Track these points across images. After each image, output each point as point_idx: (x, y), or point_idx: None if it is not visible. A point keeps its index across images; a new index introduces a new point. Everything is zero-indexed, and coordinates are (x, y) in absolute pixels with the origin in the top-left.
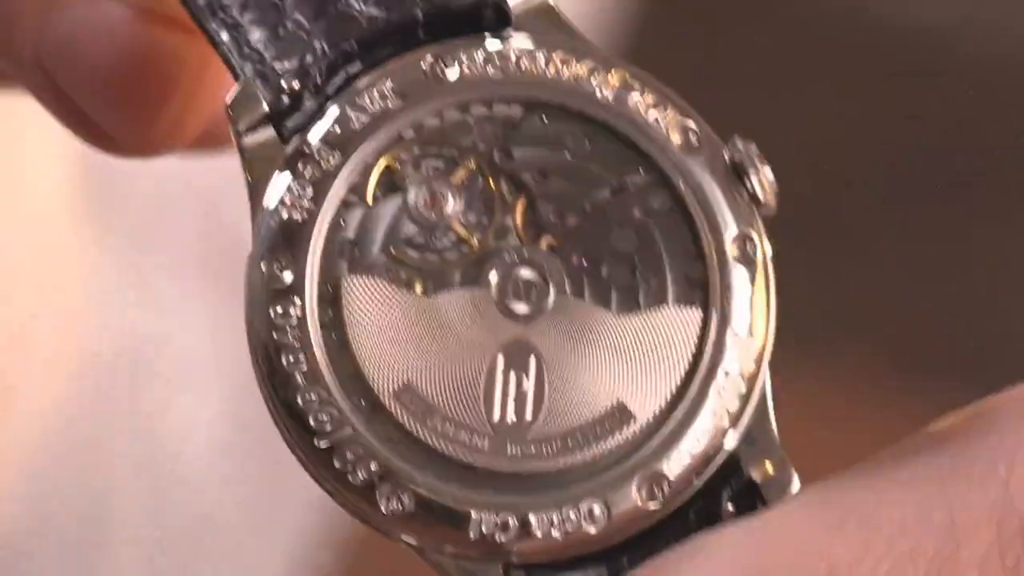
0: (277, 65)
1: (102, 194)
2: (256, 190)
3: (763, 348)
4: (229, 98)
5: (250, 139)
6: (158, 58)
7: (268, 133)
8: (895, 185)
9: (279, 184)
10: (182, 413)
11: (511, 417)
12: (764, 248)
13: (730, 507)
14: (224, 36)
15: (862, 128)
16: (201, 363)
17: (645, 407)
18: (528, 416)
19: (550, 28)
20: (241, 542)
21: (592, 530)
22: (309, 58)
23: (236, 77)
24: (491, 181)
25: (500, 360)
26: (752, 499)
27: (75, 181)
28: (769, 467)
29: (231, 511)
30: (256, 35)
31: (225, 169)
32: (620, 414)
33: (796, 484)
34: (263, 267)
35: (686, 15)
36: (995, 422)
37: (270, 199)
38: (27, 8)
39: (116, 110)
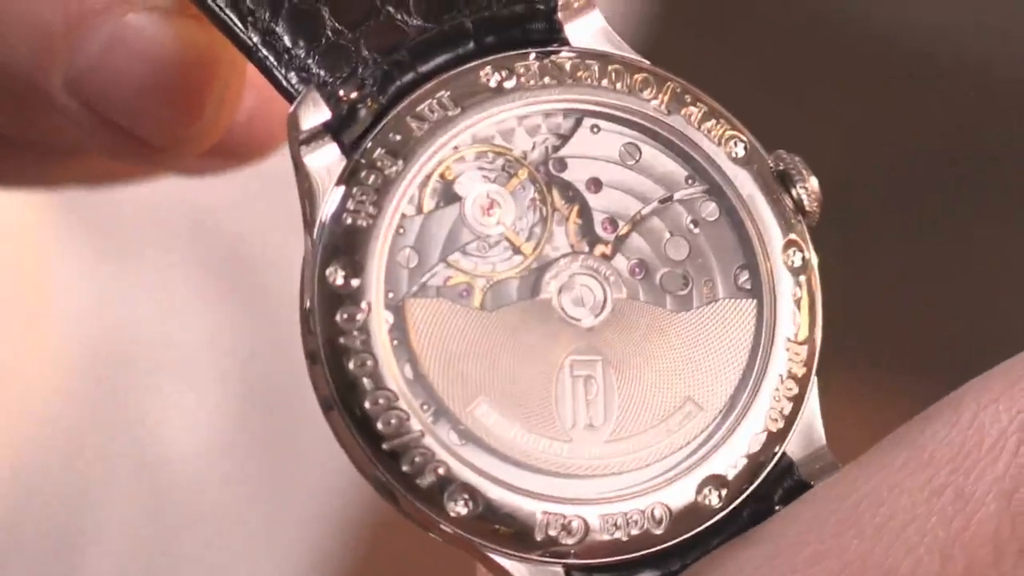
0: (327, 75)
1: (103, 198)
2: (314, 200)
3: (813, 352)
4: (293, 106)
5: (310, 149)
6: (193, 57)
7: (328, 143)
8: (895, 187)
9: (341, 193)
10: (182, 413)
11: (585, 421)
12: (810, 255)
13: (780, 509)
14: (256, 40)
15: (862, 130)
16: (201, 363)
17: (711, 401)
18: (601, 419)
19: (600, 41)
20: (242, 541)
21: (654, 531)
22: (361, 68)
23: (275, 83)
24: (544, 190)
25: (567, 367)
26: None
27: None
28: (819, 467)
29: (231, 511)
30: (293, 42)
31: (224, 176)
32: (689, 409)
33: None
34: (328, 273)
35: (686, 22)
36: (970, 394)
37: (333, 207)
38: (53, 41)
39: (158, 118)
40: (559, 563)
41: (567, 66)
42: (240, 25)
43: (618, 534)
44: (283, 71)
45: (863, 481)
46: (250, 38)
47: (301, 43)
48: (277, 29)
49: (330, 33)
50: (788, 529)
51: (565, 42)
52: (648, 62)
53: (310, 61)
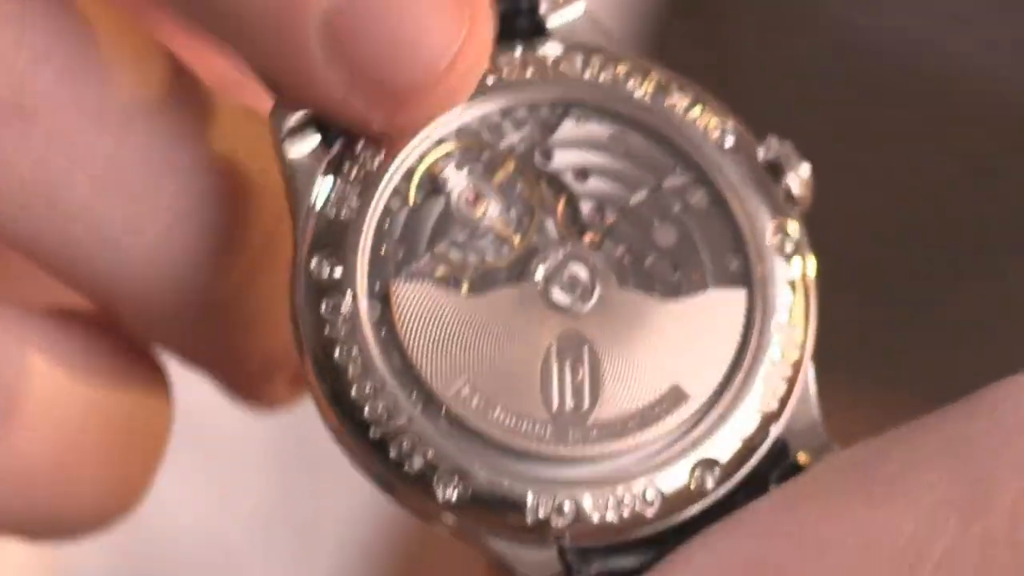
0: None
1: None
2: (299, 194)
3: (805, 335)
4: (277, 99)
5: (294, 144)
6: None
7: (312, 137)
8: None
9: (324, 186)
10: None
11: (570, 405)
12: (801, 238)
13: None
14: None
15: (926, 182)
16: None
17: (699, 388)
18: (586, 403)
19: (584, 31)
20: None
21: (647, 513)
22: None
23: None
24: (531, 182)
25: (554, 351)
26: None
27: None
28: (814, 450)
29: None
30: None
31: None
32: (675, 395)
33: None
34: (312, 264)
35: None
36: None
37: (316, 200)
38: None
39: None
40: (551, 545)
41: (550, 59)
42: None
43: (610, 516)
44: None
45: (877, 451)
46: None
47: None
48: None
49: None
50: (785, 500)
51: (549, 35)
52: (633, 52)
53: None
